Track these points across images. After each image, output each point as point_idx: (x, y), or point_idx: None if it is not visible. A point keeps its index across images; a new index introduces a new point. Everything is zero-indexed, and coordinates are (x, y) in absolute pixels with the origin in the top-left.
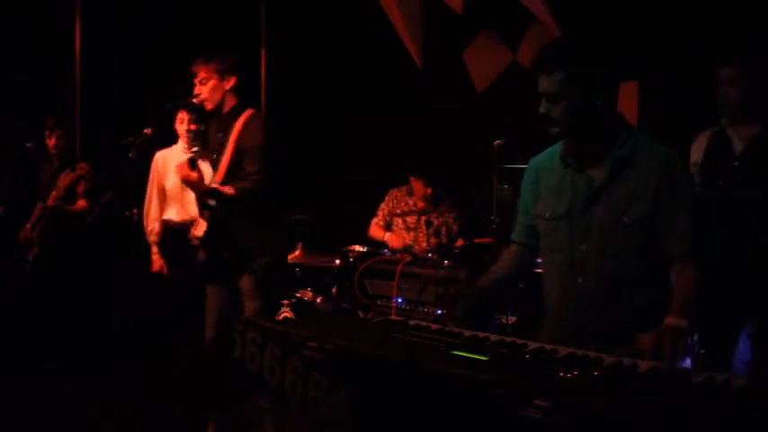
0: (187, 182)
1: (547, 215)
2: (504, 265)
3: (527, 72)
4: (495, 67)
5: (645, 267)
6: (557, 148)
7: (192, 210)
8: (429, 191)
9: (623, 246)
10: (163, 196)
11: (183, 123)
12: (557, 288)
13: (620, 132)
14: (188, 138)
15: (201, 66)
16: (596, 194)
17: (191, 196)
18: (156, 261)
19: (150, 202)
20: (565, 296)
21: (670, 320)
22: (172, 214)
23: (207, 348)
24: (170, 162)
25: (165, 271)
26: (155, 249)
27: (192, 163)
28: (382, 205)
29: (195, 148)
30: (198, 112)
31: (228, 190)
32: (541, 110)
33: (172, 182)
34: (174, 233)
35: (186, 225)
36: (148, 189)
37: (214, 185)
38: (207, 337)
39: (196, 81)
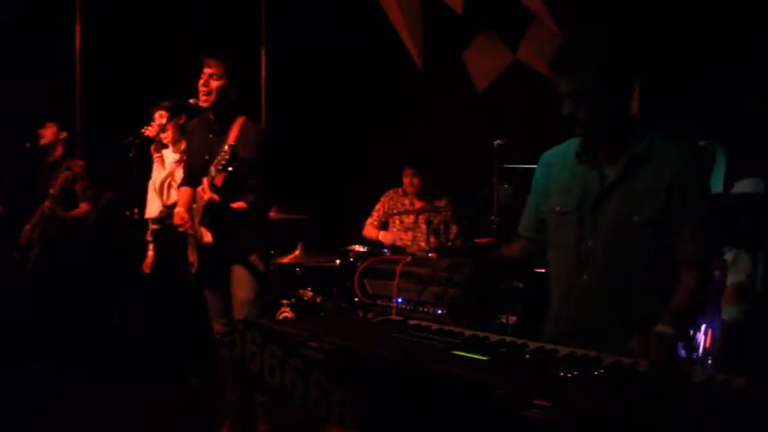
0: (212, 204)
1: (557, 209)
2: (514, 251)
3: (527, 72)
4: (495, 67)
5: (652, 268)
6: (570, 143)
7: (150, 207)
8: (416, 180)
9: (631, 245)
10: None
11: (161, 119)
12: (561, 284)
13: (635, 130)
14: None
15: (219, 62)
16: (608, 191)
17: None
18: (148, 258)
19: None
20: (569, 292)
21: (658, 327)
22: (151, 212)
23: (217, 343)
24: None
25: (147, 269)
26: (150, 247)
27: (214, 186)
28: (378, 206)
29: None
30: (176, 111)
31: (241, 204)
32: (565, 111)
33: (152, 181)
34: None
35: (161, 220)
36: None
37: (234, 205)
38: (215, 331)
39: (207, 72)
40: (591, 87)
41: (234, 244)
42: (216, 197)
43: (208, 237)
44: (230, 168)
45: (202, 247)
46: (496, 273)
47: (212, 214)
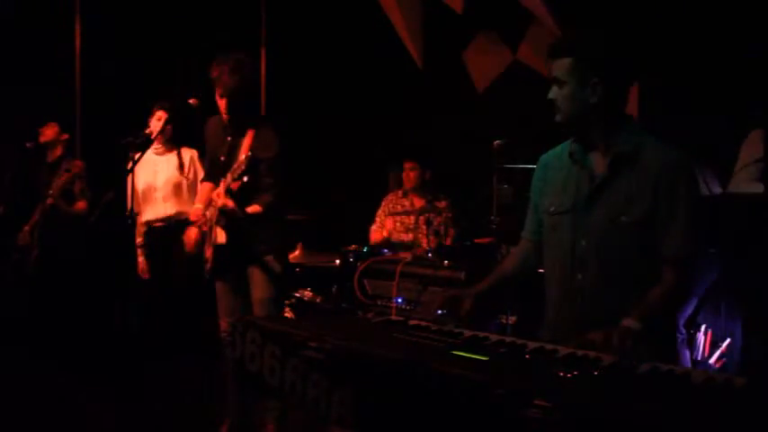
0: (225, 210)
1: (551, 210)
2: (510, 264)
3: (527, 72)
4: (495, 67)
5: (644, 266)
6: (566, 144)
7: (159, 207)
8: (412, 175)
9: (622, 244)
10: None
11: (159, 121)
12: (557, 284)
13: (622, 131)
14: (165, 137)
15: (227, 82)
16: (597, 191)
17: (156, 194)
18: (141, 263)
19: (137, 204)
20: (564, 292)
21: (625, 321)
22: (150, 215)
23: (222, 341)
24: (139, 162)
25: (147, 275)
26: (139, 251)
27: (230, 191)
28: (379, 211)
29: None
30: (173, 113)
31: (256, 208)
32: (549, 95)
33: (143, 182)
34: (154, 234)
35: (162, 221)
36: (133, 192)
37: (249, 209)
38: (222, 329)
39: (218, 92)
40: (567, 74)
41: (250, 245)
42: (229, 203)
43: (221, 237)
44: (245, 179)
45: (217, 246)
46: (491, 300)
47: (227, 217)
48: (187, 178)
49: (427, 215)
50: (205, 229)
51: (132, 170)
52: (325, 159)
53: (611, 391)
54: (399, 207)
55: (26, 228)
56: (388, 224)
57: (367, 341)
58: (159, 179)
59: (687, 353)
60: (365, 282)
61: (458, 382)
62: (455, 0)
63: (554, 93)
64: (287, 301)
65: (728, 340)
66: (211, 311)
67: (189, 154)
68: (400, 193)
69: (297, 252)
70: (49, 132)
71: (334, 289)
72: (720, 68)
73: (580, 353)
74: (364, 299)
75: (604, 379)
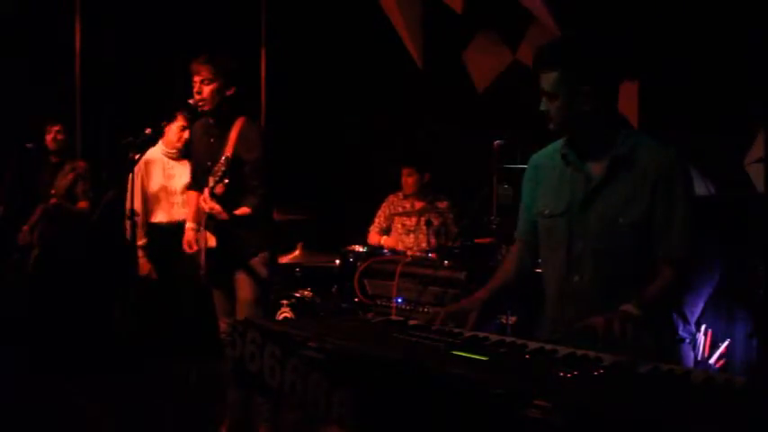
0: (212, 214)
1: (546, 212)
2: (507, 271)
3: (527, 72)
4: (495, 67)
5: (642, 268)
6: (558, 144)
7: (176, 211)
8: (410, 180)
9: (619, 246)
10: (146, 199)
11: (181, 128)
12: (554, 286)
13: (618, 133)
14: (182, 143)
15: (207, 65)
16: (594, 193)
17: (174, 199)
18: (144, 265)
19: (140, 205)
20: (562, 294)
21: (624, 306)
22: (161, 217)
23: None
24: (151, 164)
25: (154, 275)
26: (141, 253)
27: (215, 195)
28: (379, 212)
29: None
30: (193, 115)
31: (245, 211)
32: (541, 107)
33: (156, 184)
34: (162, 235)
35: (174, 226)
36: (134, 193)
37: (237, 212)
38: (221, 330)
39: (197, 79)
40: (557, 87)
41: (238, 247)
42: (216, 207)
43: (212, 241)
44: (227, 180)
45: (209, 250)
46: (493, 310)
47: (215, 221)
48: None
49: (428, 216)
50: (195, 249)
51: (132, 170)
52: (325, 159)
53: (611, 391)
54: (400, 209)
55: (26, 228)
56: (389, 239)
57: (367, 341)
58: (178, 183)
59: (692, 354)
60: (365, 282)
61: (458, 382)
62: (455, 0)
63: (545, 105)
64: (286, 301)
65: (728, 340)
66: (211, 311)
67: None
68: (401, 194)
69: (297, 252)
70: (59, 137)
71: (334, 289)
72: (721, 68)
73: (580, 353)
74: (364, 299)
75: (604, 379)
